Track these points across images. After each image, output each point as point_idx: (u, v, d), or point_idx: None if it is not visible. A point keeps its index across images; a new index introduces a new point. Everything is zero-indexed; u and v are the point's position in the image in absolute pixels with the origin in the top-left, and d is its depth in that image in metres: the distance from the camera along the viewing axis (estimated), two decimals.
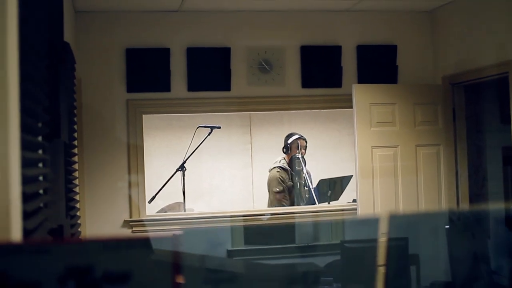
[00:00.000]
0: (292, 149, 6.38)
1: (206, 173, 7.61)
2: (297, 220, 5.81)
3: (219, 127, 6.30)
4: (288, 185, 6.34)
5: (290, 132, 6.58)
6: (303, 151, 6.39)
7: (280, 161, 6.47)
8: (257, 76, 5.74)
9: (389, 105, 5.54)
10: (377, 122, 5.47)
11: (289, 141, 6.42)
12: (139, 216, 5.52)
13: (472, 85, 5.72)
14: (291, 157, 6.39)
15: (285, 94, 5.81)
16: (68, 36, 4.97)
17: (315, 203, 6.06)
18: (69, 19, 5.26)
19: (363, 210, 5.38)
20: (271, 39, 5.76)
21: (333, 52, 5.83)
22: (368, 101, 5.45)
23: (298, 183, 6.46)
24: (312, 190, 6.09)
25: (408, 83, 5.90)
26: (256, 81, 5.74)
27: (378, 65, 5.91)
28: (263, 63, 5.73)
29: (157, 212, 6.44)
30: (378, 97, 5.50)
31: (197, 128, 6.25)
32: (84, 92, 5.43)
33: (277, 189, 6.31)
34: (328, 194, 6.62)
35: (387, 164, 5.49)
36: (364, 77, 5.85)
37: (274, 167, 6.42)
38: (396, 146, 5.54)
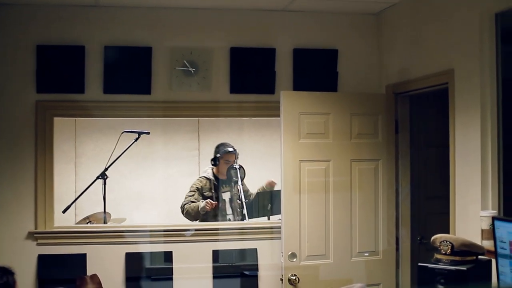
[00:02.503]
0: (221, 162, 5.96)
1: (147, 181, 7.16)
2: (220, 237, 5.33)
3: (148, 133, 5.87)
4: (206, 196, 5.89)
5: (221, 142, 6.13)
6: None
7: (206, 170, 6.05)
8: (180, 79, 5.25)
9: (322, 115, 5.02)
10: (307, 134, 4.97)
11: (218, 154, 5.99)
12: (45, 228, 5.06)
13: (418, 95, 5.22)
14: (229, 166, 5.94)
15: (211, 100, 5.31)
16: None
17: (245, 219, 5.59)
18: None
19: (288, 228, 4.88)
20: (197, 39, 5.26)
21: (267, 55, 5.32)
22: (298, 110, 4.94)
23: (232, 195, 6.02)
24: (244, 204, 5.61)
25: (349, 91, 5.41)
26: (180, 85, 5.25)
27: (316, 71, 5.41)
28: (187, 65, 5.24)
29: (79, 221, 6.02)
30: (310, 105, 4.99)
31: (122, 133, 5.82)
32: None
33: (188, 195, 5.91)
34: (268, 208, 6.16)
35: (318, 180, 4.99)
36: (300, 84, 5.35)
37: (199, 176, 6.04)
38: (328, 160, 5.03)
